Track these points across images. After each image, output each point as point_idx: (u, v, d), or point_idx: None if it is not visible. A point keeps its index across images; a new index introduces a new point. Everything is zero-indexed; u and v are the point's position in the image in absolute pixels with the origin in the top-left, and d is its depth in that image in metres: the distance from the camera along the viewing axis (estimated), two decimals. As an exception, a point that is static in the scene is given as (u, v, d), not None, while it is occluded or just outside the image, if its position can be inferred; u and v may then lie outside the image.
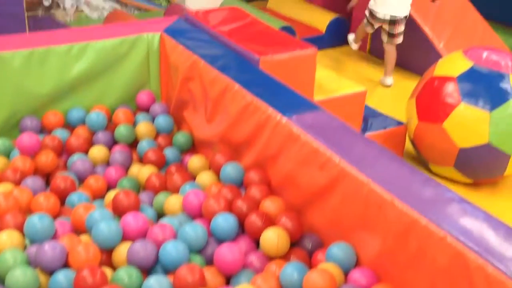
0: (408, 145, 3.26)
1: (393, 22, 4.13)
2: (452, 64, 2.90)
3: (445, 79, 2.86)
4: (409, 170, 1.76)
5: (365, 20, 4.28)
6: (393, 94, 4.08)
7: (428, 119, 2.90)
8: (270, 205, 2.00)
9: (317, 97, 2.76)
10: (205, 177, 2.28)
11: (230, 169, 2.21)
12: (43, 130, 2.59)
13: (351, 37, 4.56)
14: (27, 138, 2.32)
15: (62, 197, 2.16)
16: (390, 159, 1.81)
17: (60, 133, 2.54)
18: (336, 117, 2.07)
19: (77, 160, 2.39)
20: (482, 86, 2.75)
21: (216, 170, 2.28)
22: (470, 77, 2.78)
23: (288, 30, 4.61)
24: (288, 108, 2.08)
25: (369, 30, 4.32)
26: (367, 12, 4.21)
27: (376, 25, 4.20)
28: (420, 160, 3.18)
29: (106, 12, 5.12)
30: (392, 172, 1.74)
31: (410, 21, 4.35)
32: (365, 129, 3.06)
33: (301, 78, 2.62)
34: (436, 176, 3.10)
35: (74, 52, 2.55)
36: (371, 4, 4.14)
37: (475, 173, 2.93)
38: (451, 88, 2.81)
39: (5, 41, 2.54)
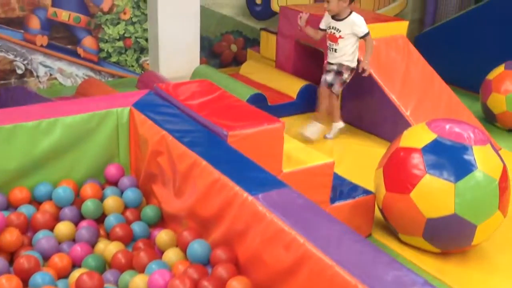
0: (377, 213, 3.28)
1: None
2: (417, 136, 2.97)
3: (410, 150, 2.92)
4: (373, 251, 1.77)
5: (341, 88, 4.38)
6: (363, 161, 4.14)
7: (396, 189, 2.93)
8: (236, 285, 1.98)
9: (286, 169, 2.79)
10: (172, 254, 2.26)
11: (197, 247, 2.19)
12: (9, 206, 2.56)
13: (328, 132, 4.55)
14: (-9, 217, 2.29)
15: (26, 277, 2.12)
16: (354, 239, 1.82)
17: (26, 210, 2.51)
18: (302, 195, 2.08)
19: (42, 238, 2.36)
20: (446, 157, 2.81)
21: (183, 247, 2.27)
22: (434, 149, 2.85)
23: (260, 97, 4.71)
24: (255, 186, 2.10)
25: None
26: (348, 72, 4.31)
27: None
28: (390, 229, 3.20)
29: (80, 80, 5.18)
30: (356, 254, 1.75)
31: (378, 89, 4.48)
32: (334, 198, 3.08)
33: (269, 151, 2.65)
34: (406, 245, 3.12)
35: (43, 128, 2.56)
36: (356, 59, 4.29)
37: (444, 243, 2.95)
38: (416, 160, 2.86)
39: (-29, 117, 2.55)
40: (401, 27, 4.92)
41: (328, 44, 4.36)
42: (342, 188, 3.20)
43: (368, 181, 3.34)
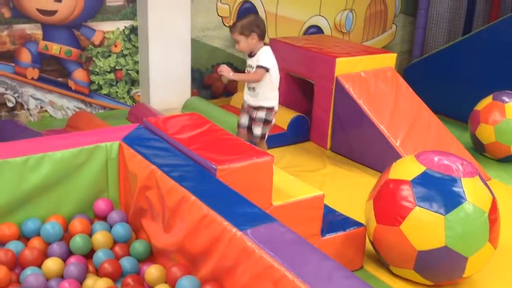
0: (369, 245, 3.27)
1: None
2: (406, 168, 2.98)
3: (400, 183, 2.92)
4: (362, 287, 1.76)
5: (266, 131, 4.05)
6: (354, 192, 4.13)
7: (386, 222, 2.93)
8: (225, 322, 1.96)
9: (276, 202, 2.78)
10: (161, 291, 2.24)
11: (186, 283, 2.18)
12: (-3, 243, 2.54)
13: None
14: (-23, 255, 2.26)
15: (12, 316, 2.10)
16: (344, 275, 1.81)
17: (14, 246, 2.49)
18: (291, 229, 2.07)
19: (30, 275, 2.33)
20: (436, 190, 2.81)
21: (172, 283, 2.25)
22: (424, 181, 2.85)
23: (251, 128, 4.72)
24: (243, 221, 2.09)
25: None
26: (274, 114, 4.03)
27: None
28: (382, 261, 3.19)
29: (71, 112, 5.18)
30: (345, 290, 1.74)
31: (368, 120, 4.51)
32: (325, 231, 3.07)
33: (258, 185, 2.65)
34: (397, 278, 3.10)
35: (31, 164, 2.55)
36: (277, 96, 4.01)
37: (435, 276, 2.93)
38: (406, 192, 2.86)
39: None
40: (390, 59, 4.99)
41: (246, 84, 4.02)
42: (333, 220, 3.19)
43: (359, 212, 3.33)
